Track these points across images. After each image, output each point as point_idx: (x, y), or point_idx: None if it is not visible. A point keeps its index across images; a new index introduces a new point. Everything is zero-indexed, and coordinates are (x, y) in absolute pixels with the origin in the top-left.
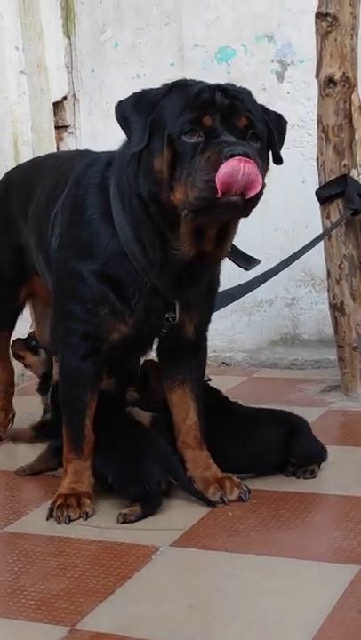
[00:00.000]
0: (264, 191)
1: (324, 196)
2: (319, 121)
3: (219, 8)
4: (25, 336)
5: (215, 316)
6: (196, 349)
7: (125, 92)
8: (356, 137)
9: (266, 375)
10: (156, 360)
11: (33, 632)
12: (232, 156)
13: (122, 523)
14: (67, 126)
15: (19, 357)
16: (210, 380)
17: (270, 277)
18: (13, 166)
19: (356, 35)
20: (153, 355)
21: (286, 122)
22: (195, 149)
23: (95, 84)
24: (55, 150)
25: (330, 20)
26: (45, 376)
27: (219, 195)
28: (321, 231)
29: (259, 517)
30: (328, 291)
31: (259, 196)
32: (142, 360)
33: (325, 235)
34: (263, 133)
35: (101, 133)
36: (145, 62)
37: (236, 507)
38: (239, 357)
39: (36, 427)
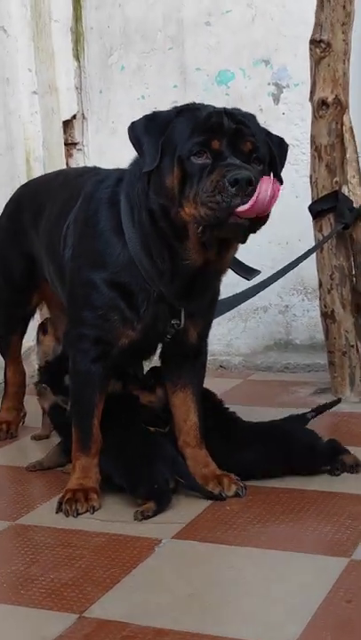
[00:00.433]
0: None
1: (317, 210)
2: (313, 141)
3: (219, 34)
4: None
5: (213, 322)
6: (198, 354)
7: (130, 112)
8: (347, 156)
9: (261, 378)
10: (160, 363)
11: (44, 619)
12: (236, 180)
13: (141, 520)
14: (76, 143)
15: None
16: None
17: (266, 287)
18: (26, 181)
19: (348, 60)
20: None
21: (288, 145)
22: (202, 170)
23: (102, 105)
24: (65, 165)
25: (323, 46)
26: (47, 364)
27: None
28: (313, 244)
29: (255, 512)
30: (320, 299)
31: (267, 217)
32: (146, 364)
33: (318, 247)
34: (266, 157)
35: (107, 150)
36: (149, 84)
37: (233, 502)
38: (236, 361)
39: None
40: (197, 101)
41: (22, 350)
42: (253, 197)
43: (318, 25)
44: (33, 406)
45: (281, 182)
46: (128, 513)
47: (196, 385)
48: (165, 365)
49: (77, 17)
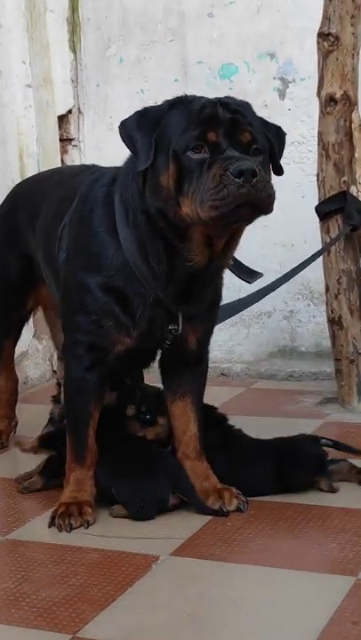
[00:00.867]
0: None
1: (324, 211)
2: (320, 138)
3: (222, 26)
4: (28, 342)
5: (215, 328)
6: (198, 361)
7: (129, 107)
8: (356, 155)
9: (264, 386)
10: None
11: (35, 639)
12: (240, 172)
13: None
14: (71, 139)
15: None
16: None
17: (270, 292)
18: (19, 178)
19: (358, 54)
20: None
21: (285, 134)
22: (201, 165)
23: (100, 99)
24: (59, 162)
25: (331, 39)
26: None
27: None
28: (320, 246)
29: (257, 528)
30: (326, 304)
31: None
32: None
33: (325, 250)
34: (265, 147)
35: (105, 146)
36: (149, 78)
37: (234, 517)
38: (238, 369)
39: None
40: (199, 95)
41: (15, 356)
42: None
43: (326, 17)
44: (25, 415)
45: (281, 172)
46: (124, 528)
47: (197, 394)
48: (164, 373)
49: (74, 7)
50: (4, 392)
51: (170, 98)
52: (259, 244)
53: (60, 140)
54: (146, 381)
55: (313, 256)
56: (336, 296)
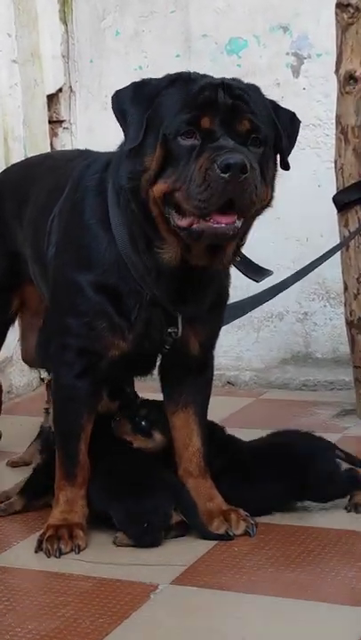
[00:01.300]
0: (274, 195)
1: (343, 202)
2: (338, 120)
3: None
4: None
5: (220, 332)
6: (202, 368)
7: (125, 85)
8: None
9: (275, 397)
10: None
11: None
12: (227, 165)
13: (118, 546)
14: (62, 121)
15: None
16: None
17: (282, 290)
18: (3, 164)
19: None
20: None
21: (300, 122)
22: (190, 152)
23: (93, 76)
24: (48, 147)
25: (352, 10)
26: None
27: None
28: (338, 240)
29: (267, 554)
30: (345, 306)
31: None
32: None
33: (343, 245)
34: (268, 137)
35: (99, 129)
36: (148, 53)
37: (242, 542)
38: (246, 377)
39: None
40: (203, 73)
41: None
42: None
43: None
44: (9, 427)
45: (288, 168)
46: (119, 554)
47: (200, 404)
48: (164, 381)
49: None
50: None
51: (168, 74)
52: (269, 238)
53: (50, 121)
54: (144, 390)
55: (330, 251)
56: (356, 296)
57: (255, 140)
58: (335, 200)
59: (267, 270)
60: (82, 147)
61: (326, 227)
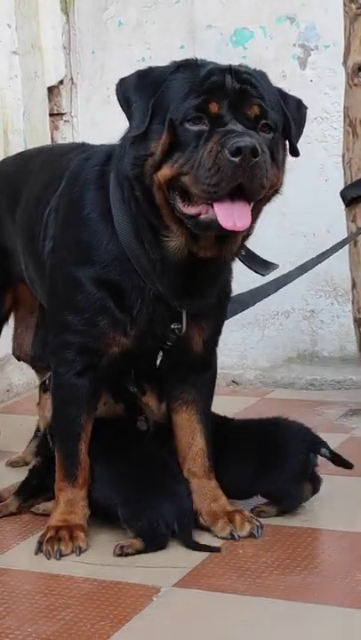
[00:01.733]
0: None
1: (351, 196)
2: (346, 113)
3: None
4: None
5: (224, 329)
6: (205, 366)
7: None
8: None
9: (280, 396)
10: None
11: None
12: (238, 149)
13: (118, 555)
14: (62, 113)
15: None
16: None
17: (286, 284)
18: (2, 158)
19: None
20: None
21: (306, 108)
22: (198, 138)
23: (95, 68)
24: (49, 140)
25: (360, 1)
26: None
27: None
28: (345, 235)
29: (273, 556)
30: (352, 303)
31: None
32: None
33: (350, 240)
34: (278, 123)
35: (101, 122)
36: (151, 44)
37: (247, 544)
38: (251, 376)
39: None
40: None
41: None
42: None
43: None
44: (8, 426)
45: (297, 154)
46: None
47: (203, 402)
48: (166, 379)
49: None
50: None
51: (174, 61)
52: (275, 233)
53: (50, 114)
54: None
55: (336, 246)
56: None
57: (265, 126)
58: (343, 195)
59: (272, 264)
60: (83, 140)
61: (333, 222)
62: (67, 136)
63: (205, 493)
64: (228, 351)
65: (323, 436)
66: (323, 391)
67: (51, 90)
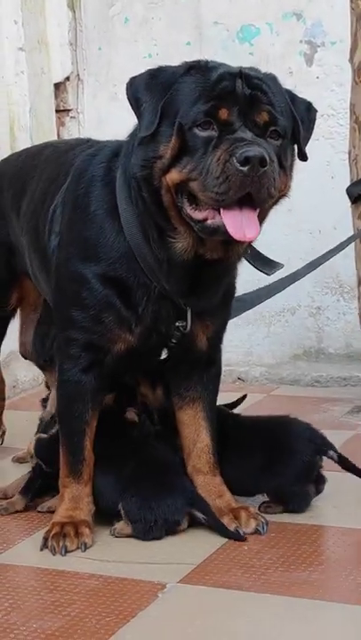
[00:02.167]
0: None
1: (357, 193)
2: (352, 110)
3: None
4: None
5: (230, 326)
6: (210, 363)
7: (135, 73)
8: None
9: (286, 393)
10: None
11: None
12: (246, 159)
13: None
14: (69, 110)
15: None
16: None
17: (292, 282)
18: (9, 154)
19: None
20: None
21: (316, 111)
22: (207, 144)
23: (102, 64)
24: (55, 136)
25: None
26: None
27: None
28: (351, 233)
29: (278, 553)
30: (358, 300)
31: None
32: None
33: (357, 237)
34: (287, 129)
35: (107, 118)
36: (158, 40)
37: (252, 540)
38: (256, 372)
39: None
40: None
41: (1, 357)
42: None
43: None
44: (14, 422)
45: (305, 159)
46: (127, 551)
47: (208, 399)
48: (171, 376)
49: None
50: None
51: (187, 61)
52: (281, 230)
53: (57, 110)
54: None
55: (342, 244)
56: None
57: (274, 132)
58: (349, 192)
59: (277, 263)
60: (89, 136)
61: (339, 219)
62: (73, 132)
63: (210, 490)
64: (233, 348)
65: (328, 433)
66: (328, 388)
67: (57, 86)
